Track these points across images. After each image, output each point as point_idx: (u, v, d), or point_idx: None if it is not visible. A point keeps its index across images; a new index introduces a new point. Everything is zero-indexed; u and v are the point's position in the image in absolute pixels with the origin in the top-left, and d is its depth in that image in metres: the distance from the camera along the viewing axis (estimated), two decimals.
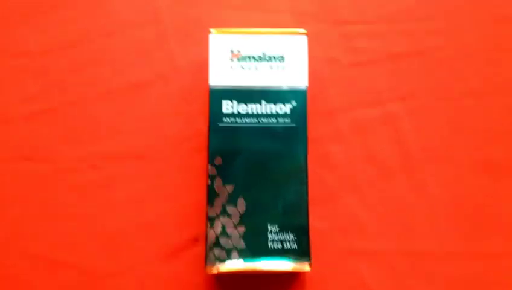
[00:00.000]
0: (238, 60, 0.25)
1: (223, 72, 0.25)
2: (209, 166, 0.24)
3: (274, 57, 0.25)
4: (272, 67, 0.25)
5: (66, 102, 0.29)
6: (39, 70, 0.29)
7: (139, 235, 0.27)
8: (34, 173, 0.28)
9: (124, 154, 0.28)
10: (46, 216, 0.28)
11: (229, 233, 0.24)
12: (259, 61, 0.25)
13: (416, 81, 0.30)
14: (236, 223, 0.24)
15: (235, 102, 0.25)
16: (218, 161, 0.24)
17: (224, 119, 0.25)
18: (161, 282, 0.27)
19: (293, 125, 0.25)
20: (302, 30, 0.26)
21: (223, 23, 0.27)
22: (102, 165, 0.28)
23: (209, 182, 0.24)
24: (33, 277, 0.27)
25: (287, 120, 0.25)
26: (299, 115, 0.25)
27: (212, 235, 0.24)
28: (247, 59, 0.25)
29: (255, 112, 0.25)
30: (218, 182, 0.24)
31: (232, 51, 0.25)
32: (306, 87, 0.25)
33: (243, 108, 0.25)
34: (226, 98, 0.25)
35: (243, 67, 0.25)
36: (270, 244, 0.24)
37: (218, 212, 0.24)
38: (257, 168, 0.24)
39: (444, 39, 0.30)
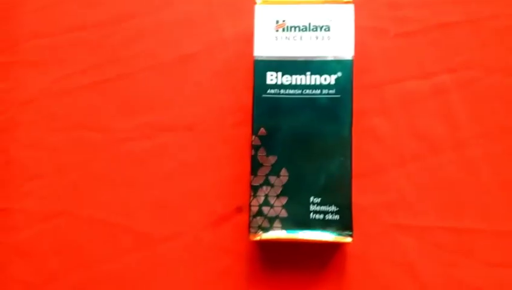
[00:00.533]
0: (283, 30, 0.25)
1: (267, 43, 0.25)
2: (253, 136, 0.25)
3: (320, 27, 0.25)
4: (317, 38, 0.25)
5: (119, 74, 0.30)
6: (93, 43, 0.30)
7: (187, 202, 0.28)
8: (90, 142, 0.29)
9: (174, 125, 0.29)
10: (102, 182, 0.29)
11: (271, 202, 0.24)
12: (305, 31, 0.25)
13: (467, 52, 0.28)
14: (278, 193, 0.24)
15: (279, 73, 0.25)
16: (262, 131, 0.25)
17: (269, 91, 0.25)
18: (207, 248, 0.28)
19: (338, 96, 0.24)
20: None
21: None
22: (154, 135, 0.29)
23: (253, 152, 0.25)
24: (91, 239, 0.29)
25: (332, 91, 0.24)
26: (344, 86, 0.24)
27: (255, 203, 0.24)
28: (292, 29, 0.25)
29: (299, 83, 0.25)
30: (261, 152, 0.25)
31: (277, 22, 0.25)
32: (352, 57, 0.25)
33: (287, 79, 0.25)
34: (270, 70, 0.25)
35: (287, 38, 0.25)
36: (311, 215, 0.24)
37: (262, 182, 0.25)
38: (300, 139, 0.24)
39: (499, 7, 0.28)
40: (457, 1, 0.29)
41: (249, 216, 0.24)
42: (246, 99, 0.28)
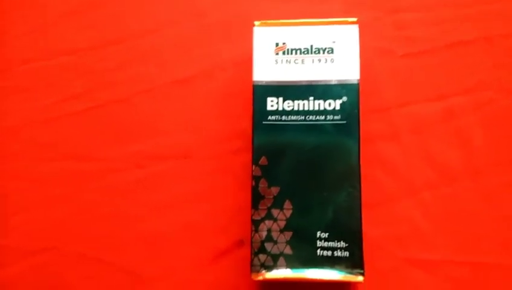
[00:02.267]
0: (284, 53, 0.24)
1: (267, 67, 0.24)
2: (254, 166, 0.23)
3: (322, 49, 0.24)
4: (320, 60, 0.24)
5: (111, 100, 0.29)
6: (85, 68, 0.29)
7: (183, 236, 0.27)
8: (79, 173, 0.28)
9: (168, 153, 0.28)
10: (92, 216, 0.28)
11: (275, 238, 0.22)
12: (306, 54, 0.24)
13: (481, 72, 0.27)
14: (282, 227, 0.22)
15: (280, 98, 0.23)
16: (263, 161, 0.23)
17: (269, 117, 0.23)
18: (205, 288, 0.26)
19: (344, 122, 0.23)
20: (353, 19, 0.24)
21: (268, 16, 0.26)
22: (148, 164, 0.28)
23: (254, 183, 0.23)
24: (78, 276, 0.27)
25: (337, 117, 0.23)
26: (350, 111, 0.23)
27: (257, 239, 0.23)
28: (294, 52, 0.24)
29: (301, 109, 0.23)
30: (263, 183, 0.23)
31: (277, 44, 0.24)
32: (358, 80, 0.23)
33: (288, 105, 0.23)
34: (270, 95, 0.23)
35: (288, 61, 0.24)
36: (319, 251, 0.22)
37: (264, 216, 0.23)
38: (305, 169, 0.23)
39: None
40: (468, 19, 0.28)
41: (251, 253, 0.23)
42: (245, 125, 0.27)
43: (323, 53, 0.24)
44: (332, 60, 0.23)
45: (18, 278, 0.27)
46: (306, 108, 0.23)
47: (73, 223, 0.28)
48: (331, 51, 0.24)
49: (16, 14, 0.30)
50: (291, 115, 0.23)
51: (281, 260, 0.22)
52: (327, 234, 0.22)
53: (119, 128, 0.28)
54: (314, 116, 0.23)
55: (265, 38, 0.24)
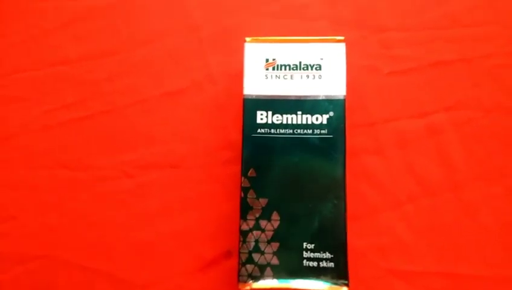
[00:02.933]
0: (274, 68, 0.24)
1: (257, 82, 0.24)
2: (243, 178, 0.23)
3: (311, 66, 0.24)
4: (308, 76, 0.24)
5: (102, 110, 0.29)
6: (77, 79, 0.29)
7: (172, 246, 0.27)
8: (69, 181, 0.28)
9: (158, 163, 0.28)
10: (82, 224, 0.28)
11: (262, 249, 0.23)
12: (295, 70, 0.24)
13: (462, 91, 0.28)
14: (269, 238, 0.23)
15: (269, 112, 0.24)
16: (251, 172, 0.23)
17: (259, 130, 0.24)
18: None
19: (330, 136, 0.24)
20: (340, 37, 0.25)
21: (259, 32, 0.27)
22: (137, 174, 0.28)
23: (242, 194, 0.23)
24: (69, 286, 0.27)
25: (324, 131, 0.24)
26: (337, 126, 0.24)
27: (244, 250, 0.23)
28: (283, 68, 0.24)
29: (290, 123, 0.24)
30: (251, 194, 0.23)
31: (267, 60, 0.25)
32: (344, 96, 0.24)
33: (277, 118, 0.24)
34: (260, 108, 0.24)
35: (278, 77, 0.24)
36: (305, 262, 0.23)
37: (252, 226, 0.23)
38: (292, 181, 0.23)
39: (493, 46, 0.28)
40: (451, 40, 0.28)
41: (238, 263, 0.23)
42: (235, 137, 0.27)
43: (312, 69, 0.24)
44: (320, 76, 0.24)
45: (8, 286, 0.27)
46: (294, 122, 0.24)
47: (63, 232, 0.28)
48: (319, 67, 0.24)
49: (10, 24, 0.31)
50: (280, 129, 0.24)
51: (268, 270, 0.23)
52: (313, 245, 0.23)
53: (110, 138, 0.28)
54: (302, 130, 0.24)
55: (256, 54, 0.25)
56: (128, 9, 0.30)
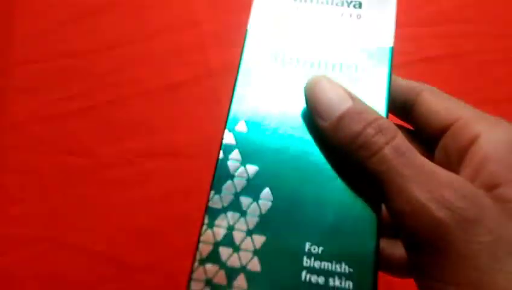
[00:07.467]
0: None
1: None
2: (226, 131, 0.16)
3: None
4: None
5: (106, 100, 0.29)
6: (83, 70, 0.30)
7: (172, 230, 0.27)
8: (75, 167, 0.28)
9: (160, 151, 0.28)
10: (86, 208, 0.28)
11: (237, 242, 0.14)
12: None
13: (452, 85, 0.25)
14: (252, 227, 0.14)
15: None
16: (241, 126, 0.16)
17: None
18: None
19: None
20: None
21: None
22: (139, 161, 0.28)
23: (222, 155, 0.15)
24: (72, 267, 0.27)
25: None
26: None
27: (208, 239, 0.14)
28: None
29: None
30: (235, 156, 0.15)
31: None
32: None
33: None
34: None
35: None
36: (304, 274, 0.13)
37: (226, 205, 0.15)
38: (298, 148, 0.15)
39: (482, 42, 0.29)
40: (441, 36, 0.29)
41: (193, 260, 0.14)
42: None
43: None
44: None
45: (14, 266, 0.27)
46: None
47: (67, 215, 0.28)
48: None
49: (20, 18, 0.32)
50: None
51: (241, 278, 0.13)
52: (321, 248, 0.14)
53: (114, 127, 0.28)
54: None
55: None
56: (133, 5, 0.31)
